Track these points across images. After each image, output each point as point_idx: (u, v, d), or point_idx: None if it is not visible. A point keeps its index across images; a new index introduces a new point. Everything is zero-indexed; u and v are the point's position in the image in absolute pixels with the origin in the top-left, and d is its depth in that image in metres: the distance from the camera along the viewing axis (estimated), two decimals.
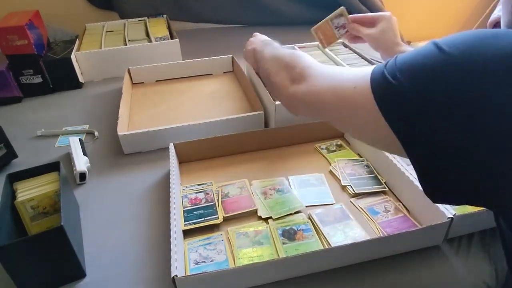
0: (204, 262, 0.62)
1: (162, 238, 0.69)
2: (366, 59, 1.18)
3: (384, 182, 0.78)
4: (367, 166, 0.83)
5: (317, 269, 0.61)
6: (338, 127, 0.55)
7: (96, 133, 1.01)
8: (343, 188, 0.78)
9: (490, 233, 0.68)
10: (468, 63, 0.35)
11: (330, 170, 0.83)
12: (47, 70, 1.21)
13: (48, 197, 0.66)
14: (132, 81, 1.25)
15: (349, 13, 0.92)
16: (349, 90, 0.46)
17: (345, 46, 1.31)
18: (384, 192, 0.76)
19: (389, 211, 0.71)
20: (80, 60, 1.28)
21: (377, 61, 1.36)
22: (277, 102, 0.91)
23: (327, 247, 0.64)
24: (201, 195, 0.75)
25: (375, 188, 0.76)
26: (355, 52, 1.24)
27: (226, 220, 0.71)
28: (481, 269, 0.62)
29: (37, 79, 1.21)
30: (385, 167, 0.79)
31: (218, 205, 0.73)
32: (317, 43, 1.31)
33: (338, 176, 0.80)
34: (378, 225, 0.68)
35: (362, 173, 0.80)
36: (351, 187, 0.76)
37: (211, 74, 1.31)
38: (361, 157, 0.87)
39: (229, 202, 0.74)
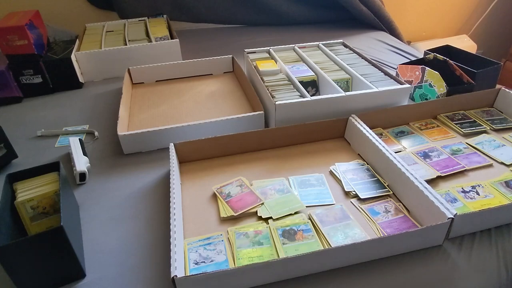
0: (204, 262, 0.62)
1: (162, 238, 0.69)
2: (366, 59, 1.18)
3: (387, 185, 0.77)
4: (368, 170, 0.83)
5: (317, 269, 0.61)
6: None
7: (96, 133, 1.00)
8: (345, 190, 0.78)
9: (496, 230, 0.68)
10: None
11: (331, 170, 0.83)
12: (47, 70, 1.21)
13: (48, 197, 0.66)
14: (132, 81, 1.25)
15: None
16: None
17: (345, 46, 1.31)
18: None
19: (389, 211, 0.71)
20: (80, 60, 1.28)
21: (377, 61, 1.36)
22: (277, 102, 0.91)
23: (327, 247, 0.64)
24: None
25: (380, 192, 0.76)
26: (355, 52, 1.24)
27: (236, 218, 0.71)
28: (486, 266, 0.62)
29: (37, 79, 1.21)
30: (386, 168, 0.79)
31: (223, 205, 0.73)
32: (317, 43, 1.31)
33: (338, 177, 0.80)
34: (378, 226, 0.68)
35: (364, 177, 0.80)
36: (356, 193, 0.76)
37: (211, 74, 1.31)
38: (362, 158, 0.87)
39: (235, 201, 0.74)
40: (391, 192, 0.76)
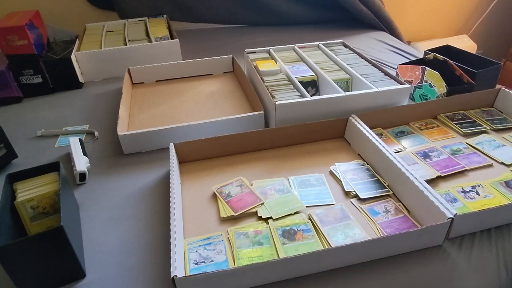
0: (204, 262, 0.62)
1: (162, 238, 0.68)
2: (366, 59, 1.18)
3: (387, 185, 0.77)
4: (368, 170, 0.83)
5: (317, 269, 0.61)
6: None
7: (96, 133, 1.00)
8: (345, 190, 0.78)
9: (496, 230, 0.68)
10: None
11: (331, 170, 0.83)
12: (47, 70, 1.21)
13: (48, 197, 0.66)
14: (132, 81, 1.25)
15: None
16: None
17: (345, 46, 1.31)
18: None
19: (389, 211, 0.71)
20: (80, 60, 1.28)
21: (377, 61, 1.36)
22: (277, 102, 0.91)
23: (327, 247, 0.64)
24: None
25: (380, 193, 0.76)
26: (355, 52, 1.24)
27: (236, 218, 0.71)
28: (486, 266, 0.62)
29: (37, 79, 1.21)
30: (386, 168, 0.79)
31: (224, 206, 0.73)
32: (317, 43, 1.31)
33: (338, 177, 0.80)
34: (378, 226, 0.68)
35: (364, 177, 0.80)
36: (356, 193, 0.76)
37: (211, 74, 1.31)
38: (362, 158, 0.87)
39: (235, 201, 0.74)
40: (391, 192, 0.76)
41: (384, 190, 0.76)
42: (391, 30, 1.80)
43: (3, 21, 1.18)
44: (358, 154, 0.88)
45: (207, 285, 0.56)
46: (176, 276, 0.53)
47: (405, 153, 0.88)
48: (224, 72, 1.32)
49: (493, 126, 0.95)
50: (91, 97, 1.22)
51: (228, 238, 0.67)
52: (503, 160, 0.84)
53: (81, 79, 1.28)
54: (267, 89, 0.99)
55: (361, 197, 0.74)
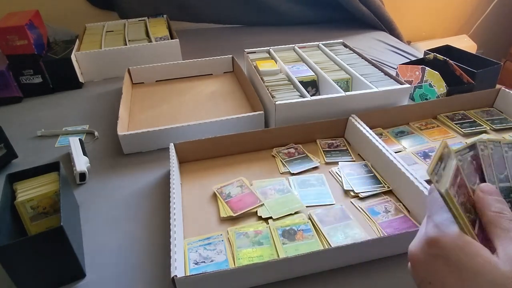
0: (204, 262, 0.62)
1: (162, 238, 0.69)
2: (366, 59, 1.18)
3: (387, 185, 0.77)
4: (366, 165, 0.83)
5: (317, 269, 0.61)
6: None
7: (96, 133, 1.00)
8: (344, 189, 0.78)
9: None
10: None
11: (330, 170, 0.83)
12: (47, 70, 1.21)
13: (48, 197, 0.66)
14: (132, 81, 1.25)
15: None
16: None
17: (345, 46, 1.31)
18: (384, 193, 0.76)
19: (389, 211, 0.71)
20: (80, 60, 1.28)
21: (377, 61, 1.36)
22: (277, 102, 0.91)
23: (327, 247, 0.64)
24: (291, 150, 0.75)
25: (379, 187, 0.76)
26: (355, 52, 1.24)
27: (237, 218, 0.71)
28: None
29: (37, 79, 1.21)
30: (386, 168, 0.78)
31: (223, 205, 0.73)
32: (317, 43, 1.31)
33: (339, 177, 0.80)
34: (378, 226, 0.68)
35: (363, 177, 0.80)
36: (353, 191, 0.76)
37: (211, 74, 1.31)
38: (362, 158, 0.87)
39: (234, 201, 0.74)
40: (390, 188, 0.76)
41: (381, 186, 0.76)
42: (391, 30, 1.80)
43: (3, 21, 1.18)
44: (358, 154, 0.88)
45: (207, 285, 0.56)
46: (176, 276, 0.53)
47: (405, 153, 0.88)
48: (224, 72, 1.32)
49: (493, 126, 0.95)
50: (91, 97, 1.22)
51: (228, 238, 0.67)
52: None
53: (81, 79, 1.28)
54: (267, 89, 0.99)
55: (358, 194, 0.74)
